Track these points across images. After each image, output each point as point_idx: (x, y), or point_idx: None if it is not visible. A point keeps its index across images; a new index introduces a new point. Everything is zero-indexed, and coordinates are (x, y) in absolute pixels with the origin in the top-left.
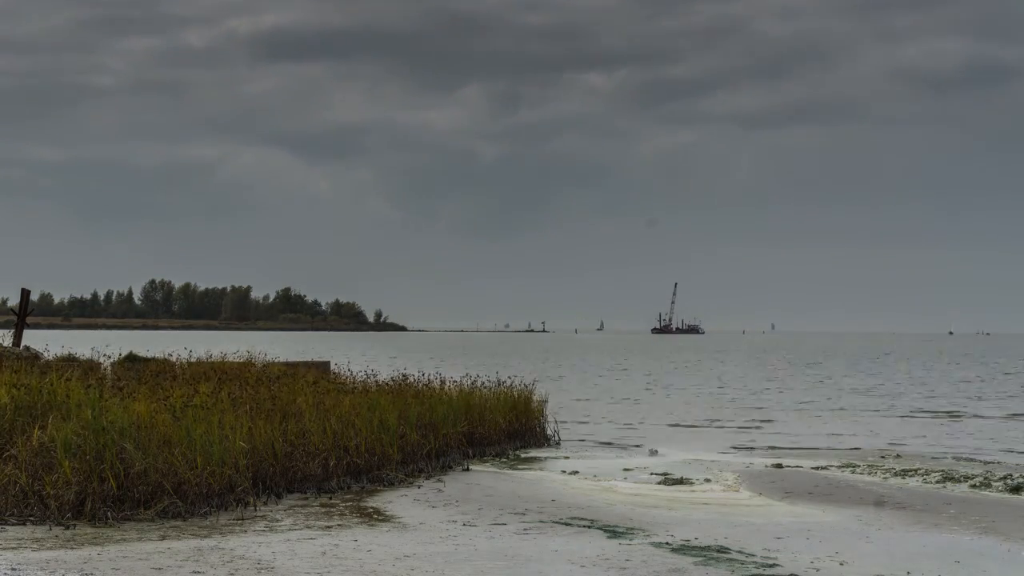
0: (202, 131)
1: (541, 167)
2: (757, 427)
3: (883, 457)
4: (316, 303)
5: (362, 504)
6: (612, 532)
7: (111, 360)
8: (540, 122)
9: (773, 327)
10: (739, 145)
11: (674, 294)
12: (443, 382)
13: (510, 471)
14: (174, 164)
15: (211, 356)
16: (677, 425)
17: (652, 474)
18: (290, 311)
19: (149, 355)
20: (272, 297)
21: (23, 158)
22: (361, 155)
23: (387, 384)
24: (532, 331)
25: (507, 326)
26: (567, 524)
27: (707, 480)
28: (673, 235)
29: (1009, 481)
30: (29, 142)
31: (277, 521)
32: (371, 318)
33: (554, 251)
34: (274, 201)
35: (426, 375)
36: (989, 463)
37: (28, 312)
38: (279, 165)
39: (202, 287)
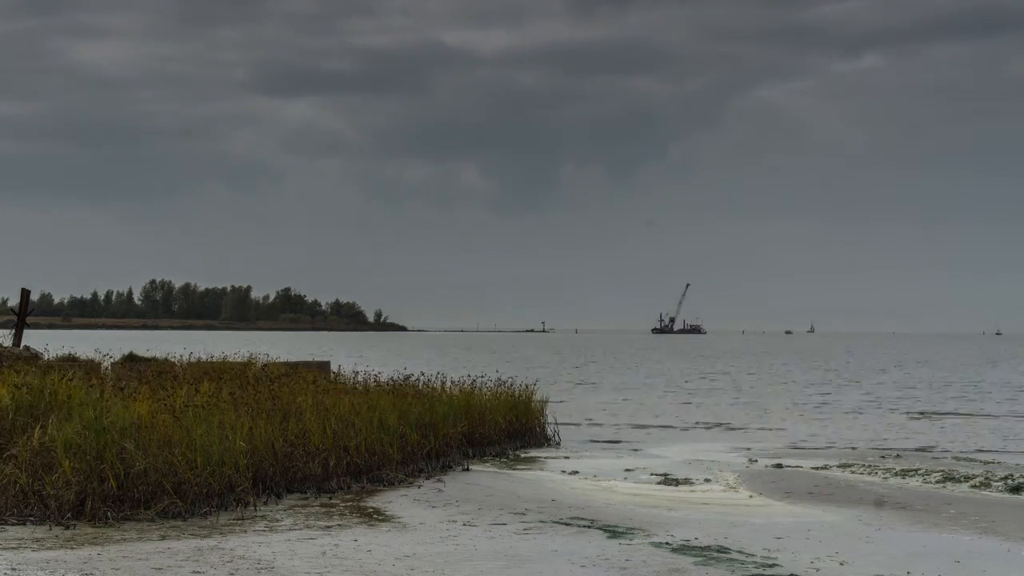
0: (217, 82)
1: (574, 129)
2: (757, 427)
3: (883, 457)
4: (316, 303)
5: (362, 504)
6: (612, 532)
7: (111, 360)
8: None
9: (812, 328)
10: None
11: (683, 295)
12: (443, 382)
13: (510, 471)
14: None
15: (211, 356)
16: (677, 425)
17: (652, 474)
18: (290, 311)
19: (149, 355)
20: (272, 297)
21: None
22: (373, 107)
23: (387, 384)
24: (532, 331)
25: (536, 327)
26: (567, 524)
27: (707, 480)
28: (678, 230)
29: (1009, 481)
30: None
31: (277, 521)
32: (371, 318)
33: (556, 250)
34: (274, 191)
35: (426, 375)
36: (989, 463)
37: (28, 312)
38: (291, 132)
39: (202, 287)
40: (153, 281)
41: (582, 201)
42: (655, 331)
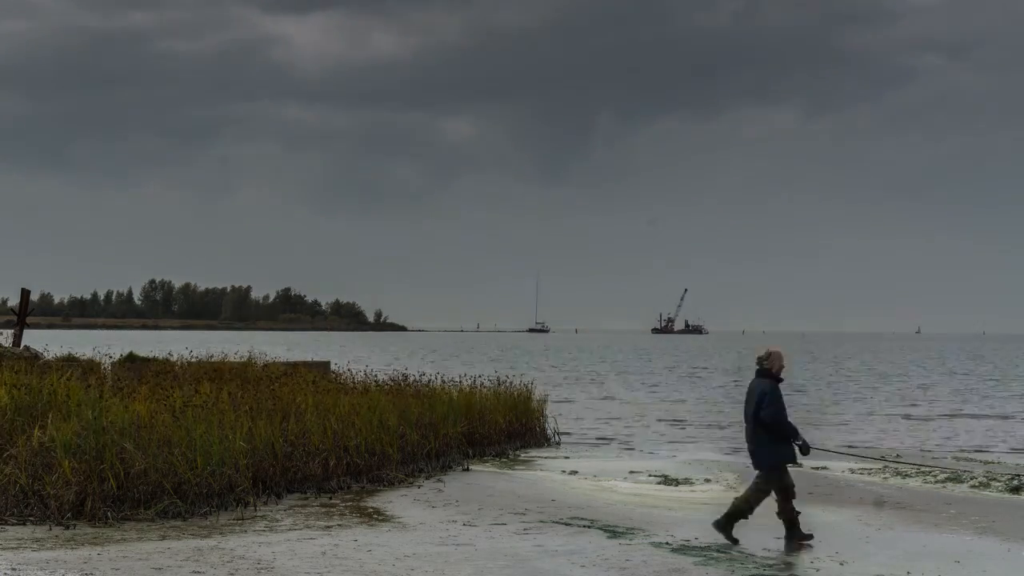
0: None
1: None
2: None
3: (883, 457)
4: (316, 303)
5: (362, 504)
6: (612, 532)
7: (111, 360)
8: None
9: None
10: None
11: (682, 299)
12: (443, 382)
13: (510, 471)
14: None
15: (211, 356)
16: (677, 425)
17: (652, 474)
18: (290, 311)
19: (149, 355)
20: (272, 297)
21: None
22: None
23: (387, 384)
24: (532, 331)
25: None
26: (567, 524)
27: (707, 480)
28: (680, 229)
29: (1009, 481)
30: None
31: (277, 521)
32: (371, 318)
33: (555, 249)
34: (270, 184)
35: (426, 375)
36: (989, 463)
37: (28, 312)
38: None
39: (202, 287)
40: (153, 281)
41: (588, 194)
42: (655, 331)
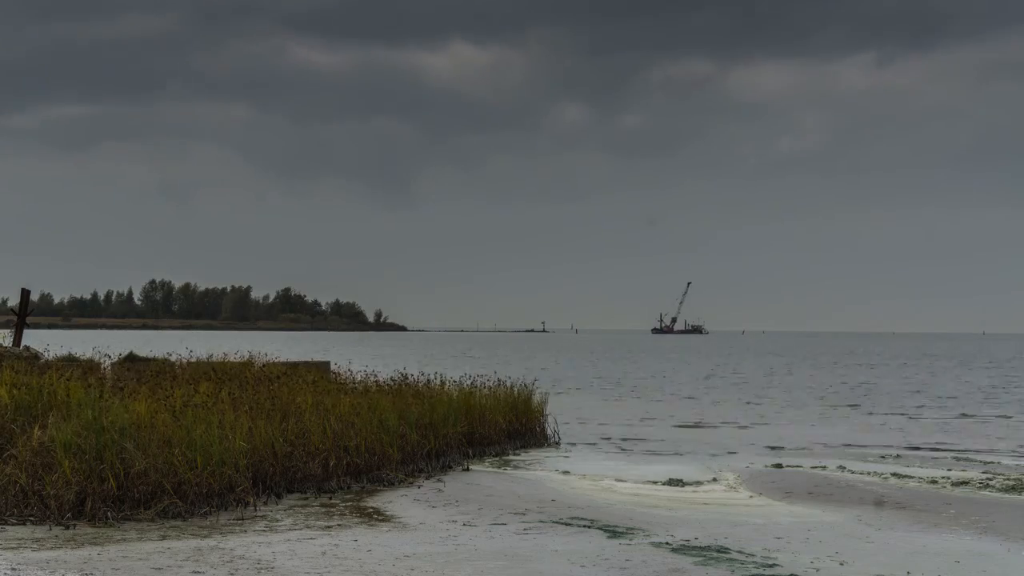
0: None
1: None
2: (757, 427)
3: (883, 457)
4: (316, 303)
5: (362, 504)
6: (612, 532)
7: (111, 360)
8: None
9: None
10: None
11: (684, 294)
12: (443, 382)
13: (510, 471)
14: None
15: (211, 356)
16: (676, 425)
17: (652, 474)
18: (290, 311)
19: (149, 355)
20: (272, 297)
21: None
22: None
23: (387, 384)
24: (532, 331)
25: (538, 327)
26: (567, 524)
27: (707, 480)
28: (680, 227)
29: (1009, 481)
30: None
31: (277, 521)
32: (371, 318)
33: (556, 248)
34: (269, 182)
35: (426, 375)
36: (989, 463)
37: (28, 312)
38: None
39: (202, 287)
40: (153, 281)
41: (591, 175)
42: (655, 331)
